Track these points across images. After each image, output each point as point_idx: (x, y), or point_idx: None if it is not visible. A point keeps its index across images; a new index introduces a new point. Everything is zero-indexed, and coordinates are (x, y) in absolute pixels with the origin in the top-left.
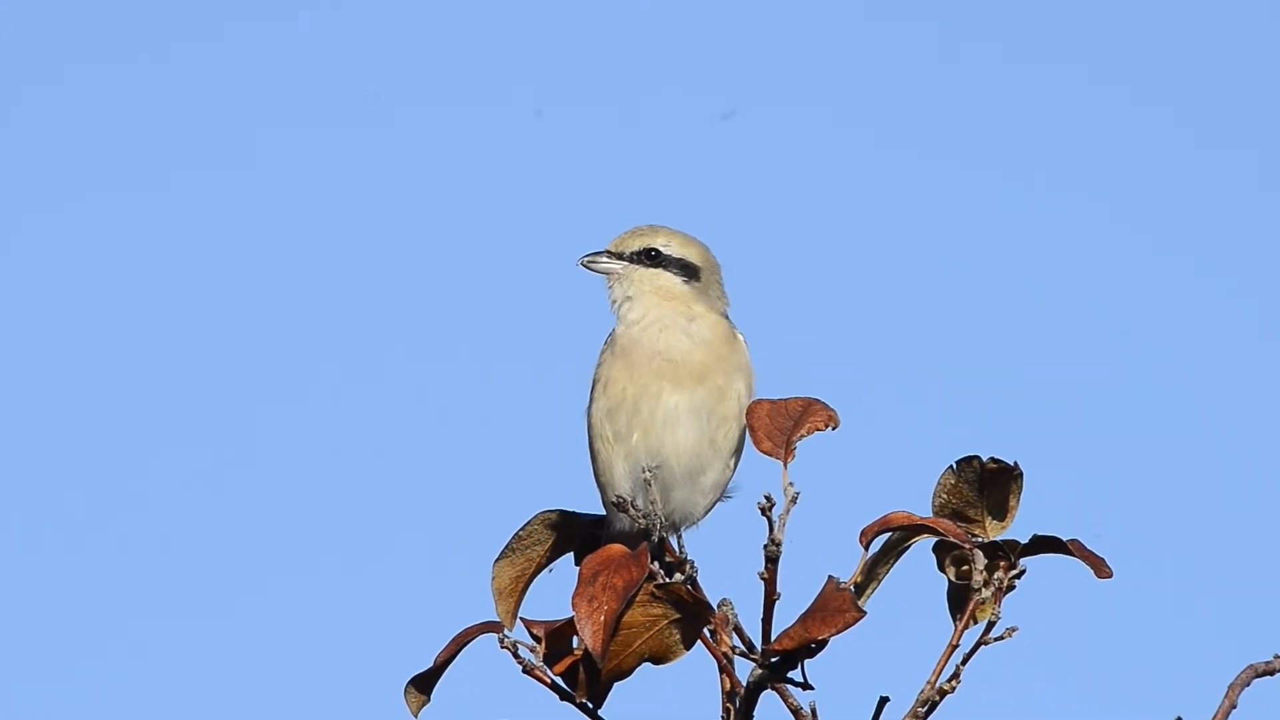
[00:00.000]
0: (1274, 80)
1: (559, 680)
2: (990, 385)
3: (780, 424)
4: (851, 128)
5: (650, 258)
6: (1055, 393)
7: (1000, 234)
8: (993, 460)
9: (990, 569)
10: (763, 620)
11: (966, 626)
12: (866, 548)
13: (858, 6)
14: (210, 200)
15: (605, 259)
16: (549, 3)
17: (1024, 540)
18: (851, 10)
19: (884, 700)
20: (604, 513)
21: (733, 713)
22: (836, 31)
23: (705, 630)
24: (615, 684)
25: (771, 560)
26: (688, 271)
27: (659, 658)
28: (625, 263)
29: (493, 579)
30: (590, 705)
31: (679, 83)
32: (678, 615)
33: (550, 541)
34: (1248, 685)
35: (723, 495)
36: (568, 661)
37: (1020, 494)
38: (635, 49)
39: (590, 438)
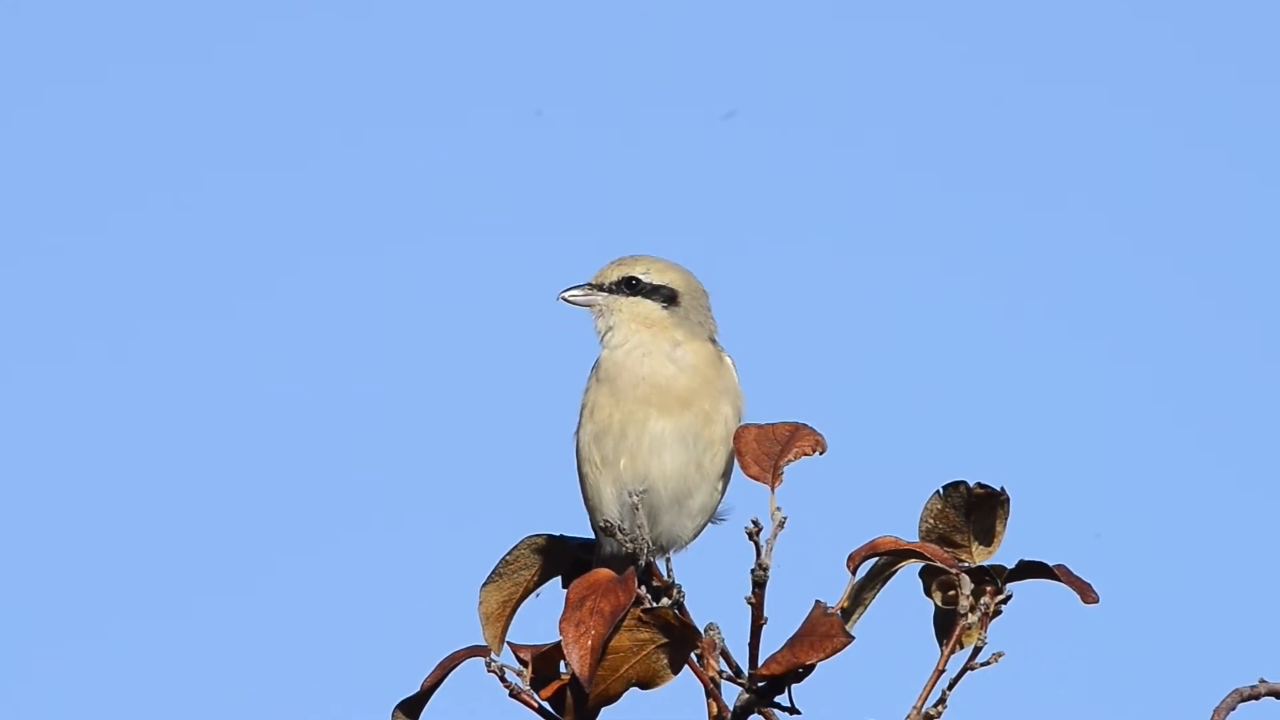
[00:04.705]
0: (1270, 81)
1: (546, 705)
2: (982, 406)
3: (767, 449)
4: (852, 129)
5: (630, 286)
6: (1045, 416)
7: (996, 242)
8: (979, 485)
9: (977, 594)
10: (750, 645)
11: (953, 651)
12: (853, 572)
13: (859, 7)
14: (207, 201)
15: (583, 292)
16: (549, 3)
17: (1010, 565)
18: (852, 10)
19: None
20: (592, 537)
21: None
22: (838, 31)
23: (692, 655)
24: (603, 709)
25: (759, 585)
26: (668, 298)
27: (646, 682)
28: (604, 294)
29: (480, 603)
30: None
31: (680, 82)
32: (665, 640)
33: (537, 566)
34: (1233, 709)
35: (713, 519)
36: (555, 686)
37: (1007, 519)
38: (636, 48)
39: (578, 462)
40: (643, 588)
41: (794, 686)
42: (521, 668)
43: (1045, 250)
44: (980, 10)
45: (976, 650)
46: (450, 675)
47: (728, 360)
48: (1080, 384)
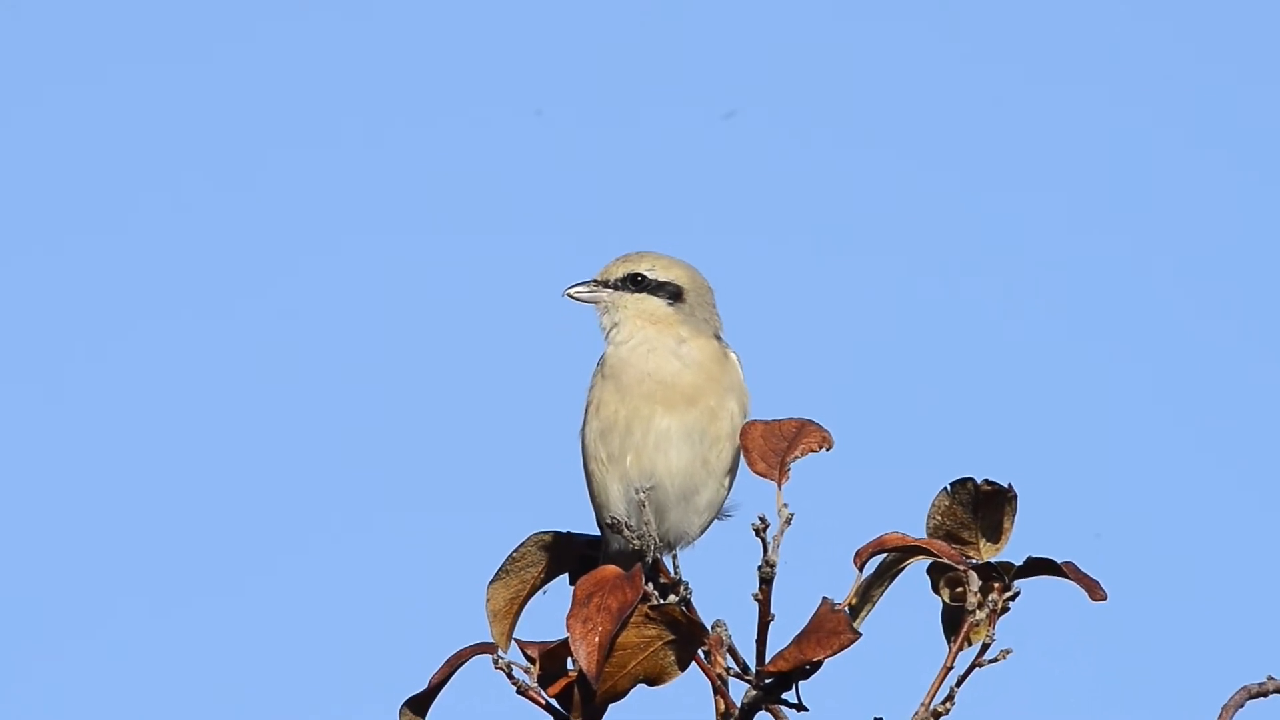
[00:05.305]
0: (1270, 81)
1: (553, 702)
2: (988, 404)
3: (774, 445)
4: (852, 129)
5: (635, 283)
6: (1053, 408)
7: (998, 242)
8: (987, 482)
9: (985, 591)
10: (757, 641)
11: (961, 648)
12: (861, 569)
13: (859, 7)
14: (206, 200)
15: (588, 289)
16: (549, 3)
17: (1018, 562)
18: (852, 10)
19: None
20: (598, 534)
21: None
22: (838, 31)
23: (700, 651)
24: (610, 705)
25: (766, 581)
26: (673, 294)
27: (653, 679)
28: (610, 290)
29: (487, 600)
30: None
31: (680, 82)
32: (672, 636)
33: (544, 563)
34: (1241, 706)
35: (720, 514)
36: (562, 683)
37: (1014, 516)
38: (636, 48)
39: (584, 459)
40: (650, 584)
41: (801, 683)
42: (529, 664)
43: (1045, 250)
44: (980, 10)
45: (984, 647)
46: (457, 672)
47: (733, 356)
48: (1081, 384)
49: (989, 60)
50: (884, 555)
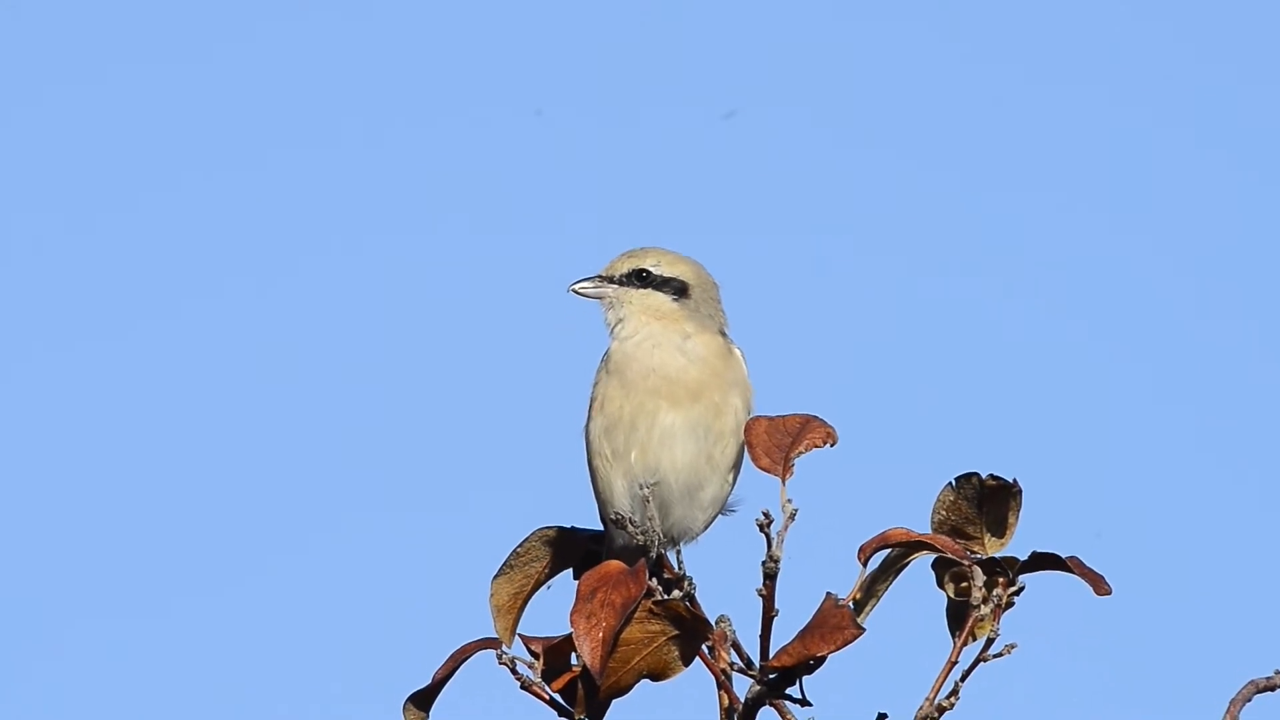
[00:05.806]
0: (1270, 81)
1: (557, 696)
2: (990, 400)
3: (778, 441)
4: (852, 128)
5: (640, 278)
6: (1055, 405)
7: (1000, 241)
8: (992, 477)
9: (989, 585)
10: (761, 637)
11: (965, 643)
12: (865, 564)
13: (859, 7)
14: (207, 200)
15: (594, 284)
16: (549, 3)
17: (1023, 557)
18: (852, 10)
19: (882, 717)
20: (602, 529)
21: None
22: (838, 31)
23: (704, 647)
24: (614, 700)
25: (770, 577)
26: (678, 290)
27: (657, 674)
28: (615, 285)
29: (491, 595)
30: None
31: (680, 82)
32: (676, 632)
33: (548, 558)
34: (1249, 700)
35: (724, 510)
36: (566, 678)
37: (1019, 511)
38: (636, 48)
39: (589, 455)
40: (654, 580)
41: (805, 678)
42: (533, 660)
43: (1045, 250)
44: (980, 10)
45: (989, 642)
46: (462, 667)
47: (737, 352)
48: (1082, 381)
49: (989, 60)
50: (888, 550)
